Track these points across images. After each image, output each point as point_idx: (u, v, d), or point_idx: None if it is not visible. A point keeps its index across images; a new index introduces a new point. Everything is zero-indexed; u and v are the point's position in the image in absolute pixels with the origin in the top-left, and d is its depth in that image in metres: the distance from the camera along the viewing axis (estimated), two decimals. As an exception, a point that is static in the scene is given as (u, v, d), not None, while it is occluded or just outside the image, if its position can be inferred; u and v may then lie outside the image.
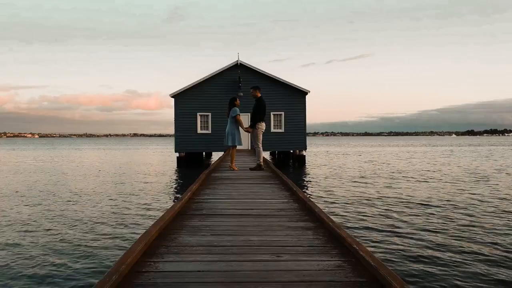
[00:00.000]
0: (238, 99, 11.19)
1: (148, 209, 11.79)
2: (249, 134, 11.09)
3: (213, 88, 26.12)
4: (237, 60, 26.00)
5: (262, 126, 10.78)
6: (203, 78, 26.22)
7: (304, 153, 26.73)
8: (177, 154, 26.37)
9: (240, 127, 11.08)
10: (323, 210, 4.94)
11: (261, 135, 10.80)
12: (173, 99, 26.21)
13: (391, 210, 11.37)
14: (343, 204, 12.27)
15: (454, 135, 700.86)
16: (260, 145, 10.79)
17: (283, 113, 26.33)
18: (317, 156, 34.72)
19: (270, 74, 26.34)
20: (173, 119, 25.95)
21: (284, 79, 26.49)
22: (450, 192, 14.51)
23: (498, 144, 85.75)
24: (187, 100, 25.96)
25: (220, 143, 26.10)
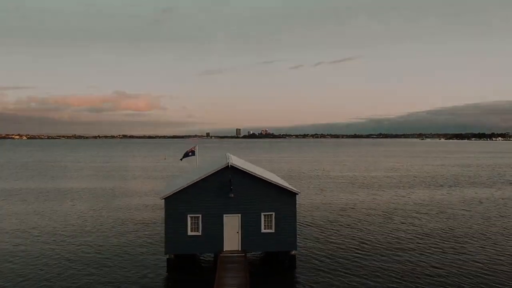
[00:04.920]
0: None
1: None
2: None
3: (204, 190, 26.18)
4: (228, 163, 26.08)
5: None
6: (194, 180, 26.20)
7: (294, 253, 26.88)
8: (167, 256, 26.27)
9: None
10: None
11: None
12: (163, 200, 26.24)
13: None
14: None
15: (442, 139, 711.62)
16: None
17: (273, 213, 26.48)
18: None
19: (261, 176, 26.48)
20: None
21: (274, 180, 26.67)
22: None
23: (483, 174, 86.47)
24: (177, 203, 25.96)
25: (211, 245, 26.30)
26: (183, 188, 26.11)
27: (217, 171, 26.23)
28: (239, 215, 26.41)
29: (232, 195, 26.13)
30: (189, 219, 26.10)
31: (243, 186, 26.35)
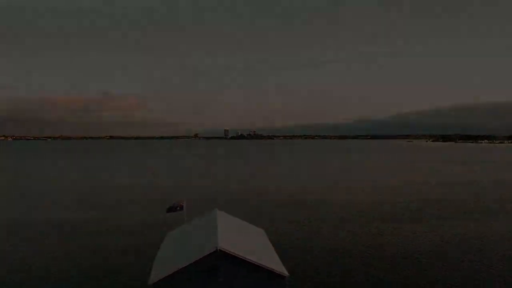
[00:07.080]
0: None
1: None
2: None
3: (192, 275, 26.03)
4: (217, 246, 25.99)
5: None
6: (182, 266, 26.05)
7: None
8: None
9: None
10: None
11: None
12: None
13: None
14: None
15: (429, 141, 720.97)
16: None
17: (262, 297, 26.48)
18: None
19: (250, 260, 26.41)
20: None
21: (263, 263, 26.64)
22: None
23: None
24: (166, 289, 25.82)
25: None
26: (170, 274, 25.97)
27: (206, 255, 26.14)
28: (230, 293, 26.36)
29: (221, 279, 26.12)
30: (178, 305, 25.96)
31: (232, 270, 26.31)
